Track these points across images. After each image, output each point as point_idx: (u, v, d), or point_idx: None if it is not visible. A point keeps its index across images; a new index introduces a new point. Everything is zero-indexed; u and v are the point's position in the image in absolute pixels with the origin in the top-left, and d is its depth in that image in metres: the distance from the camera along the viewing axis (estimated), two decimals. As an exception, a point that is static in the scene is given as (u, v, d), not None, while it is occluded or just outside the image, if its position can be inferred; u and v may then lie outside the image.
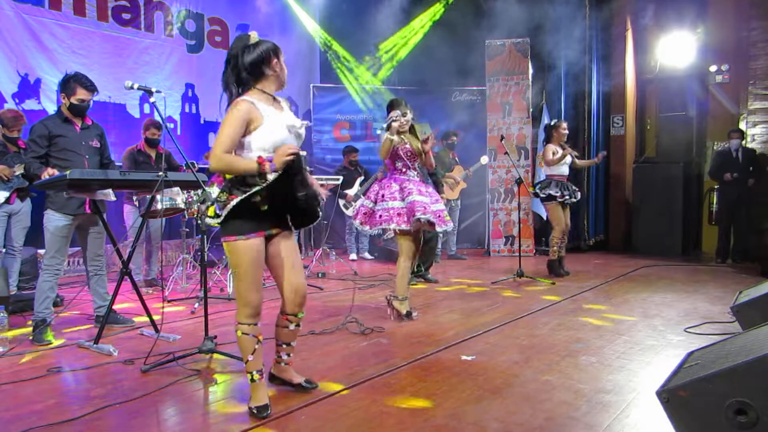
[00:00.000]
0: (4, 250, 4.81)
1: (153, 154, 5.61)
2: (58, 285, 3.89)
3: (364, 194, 4.44)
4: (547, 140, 6.25)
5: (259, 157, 2.32)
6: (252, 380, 2.51)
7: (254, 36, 2.50)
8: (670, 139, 8.33)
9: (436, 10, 9.40)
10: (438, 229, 4.07)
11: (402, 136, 4.18)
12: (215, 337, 3.29)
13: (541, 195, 6.07)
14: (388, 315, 4.29)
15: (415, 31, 9.49)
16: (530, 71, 8.25)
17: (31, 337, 3.67)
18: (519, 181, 6.09)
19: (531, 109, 8.25)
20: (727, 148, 7.28)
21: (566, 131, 6.26)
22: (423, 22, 9.44)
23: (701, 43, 8.08)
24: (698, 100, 8.17)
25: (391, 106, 4.27)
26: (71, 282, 5.92)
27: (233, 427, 2.38)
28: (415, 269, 5.85)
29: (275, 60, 2.50)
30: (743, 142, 7.27)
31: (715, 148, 7.92)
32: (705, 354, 2.25)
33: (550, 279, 5.94)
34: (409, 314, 4.23)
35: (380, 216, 4.06)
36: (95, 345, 3.47)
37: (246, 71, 2.46)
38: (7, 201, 4.72)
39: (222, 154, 2.32)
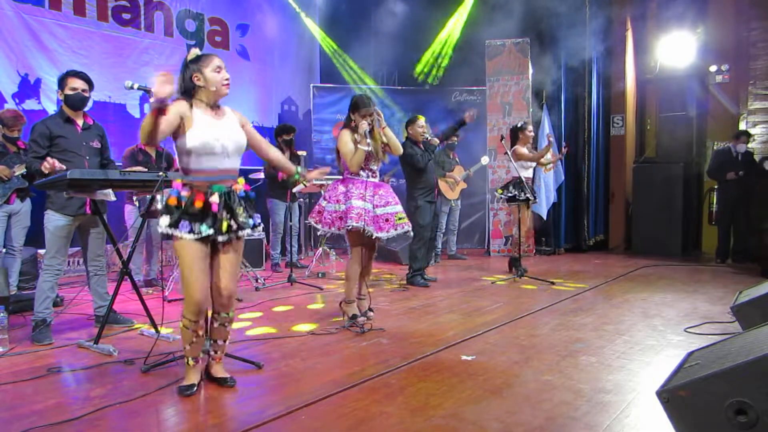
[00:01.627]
0: (4, 250, 4.81)
1: (153, 153, 5.62)
2: (58, 285, 3.89)
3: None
4: (514, 142, 6.36)
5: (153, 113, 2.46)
6: (187, 363, 2.77)
7: (193, 52, 2.74)
8: (670, 139, 8.33)
9: (465, 8, 9.29)
10: (377, 234, 3.98)
11: (355, 135, 4.01)
12: (215, 337, 3.28)
13: (502, 196, 6.17)
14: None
15: (452, 28, 9.34)
16: (530, 71, 8.25)
17: (31, 337, 3.67)
18: (519, 181, 6.09)
19: (531, 109, 8.25)
20: (727, 147, 7.27)
21: (532, 133, 6.44)
22: (456, 20, 9.28)
23: (701, 43, 8.08)
24: (698, 100, 8.17)
25: (356, 106, 4.05)
26: (71, 282, 5.92)
27: (233, 427, 2.38)
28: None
29: (196, 75, 2.69)
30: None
31: (714, 147, 7.92)
32: (705, 354, 2.25)
33: (550, 279, 5.94)
34: (354, 317, 4.09)
35: (325, 217, 4.01)
36: (95, 345, 3.47)
37: (186, 85, 2.71)
38: (7, 201, 4.72)
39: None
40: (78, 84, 3.76)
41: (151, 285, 5.69)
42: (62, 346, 3.60)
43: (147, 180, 3.71)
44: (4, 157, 4.73)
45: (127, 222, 5.73)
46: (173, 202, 2.61)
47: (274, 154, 3.07)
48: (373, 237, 4.01)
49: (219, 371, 2.88)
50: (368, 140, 3.97)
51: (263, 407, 2.56)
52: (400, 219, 4.11)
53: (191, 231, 2.59)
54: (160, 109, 2.41)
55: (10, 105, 6.08)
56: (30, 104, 6.37)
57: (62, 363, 3.24)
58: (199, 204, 2.62)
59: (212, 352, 2.89)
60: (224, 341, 2.90)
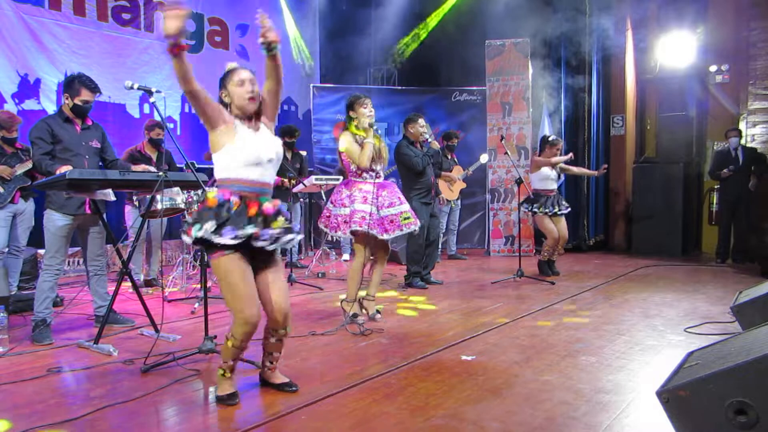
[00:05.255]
0: (6, 250, 4.81)
1: (154, 156, 5.62)
2: (58, 285, 3.89)
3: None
4: (540, 152, 6.37)
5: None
6: (223, 375, 2.60)
7: (229, 66, 2.62)
8: (670, 139, 8.32)
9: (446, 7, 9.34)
10: (382, 236, 3.95)
11: (357, 136, 4.00)
12: (215, 337, 3.29)
13: (533, 211, 6.18)
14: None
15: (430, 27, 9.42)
16: (530, 71, 8.25)
17: (31, 337, 3.67)
18: (519, 181, 6.09)
19: (531, 109, 8.26)
20: (727, 147, 7.27)
21: (560, 152, 6.35)
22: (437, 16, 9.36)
23: (701, 43, 8.08)
24: (698, 100, 8.17)
25: (353, 105, 4.05)
26: (71, 282, 5.92)
27: (233, 427, 2.38)
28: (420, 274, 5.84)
29: (223, 91, 2.61)
30: (741, 140, 7.26)
31: (714, 147, 7.93)
32: (705, 354, 2.25)
33: (550, 279, 5.95)
34: (355, 316, 4.07)
35: (332, 221, 4.00)
36: (95, 345, 3.47)
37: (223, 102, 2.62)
38: (12, 200, 4.72)
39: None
40: (90, 98, 3.80)
41: (151, 285, 5.69)
42: (62, 346, 3.60)
43: (147, 180, 3.71)
44: (3, 158, 4.72)
45: (127, 222, 5.73)
46: (213, 203, 2.43)
47: None
48: (377, 239, 3.98)
49: (279, 377, 2.78)
50: (368, 119, 3.98)
51: (263, 407, 2.56)
52: (405, 219, 4.07)
53: (236, 237, 2.38)
54: (178, 47, 2.26)
55: (9, 105, 6.08)
56: (30, 104, 6.37)
57: (62, 363, 3.24)
58: (253, 211, 2.46)
59: (268, 363, 2.77)
60: (280, 353, 2.77)
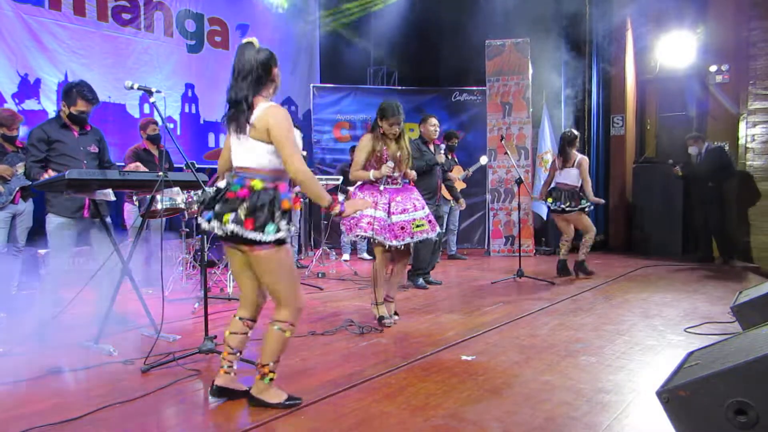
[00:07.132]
0: (5, 251, 4.80)
1: (156, 153, 5.62)
2: (59, 285, 3.89)
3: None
4: (568, 151, 6.10)
5: (334, 197, 2.49)
6: (273, 378, 2.54)
7: (256, 42, 2.47)
8: (670, 139, 8.33)
9: None
10: (391, 243, 3.89)
11: (382, 143, 3.98)
12: (215, 337, 3.29)
13: (583, 208, 6.03)
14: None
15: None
16: (530, 71, 8.25)
17: (32, 337, 3.66)
18: (519, 181, 6.09)
19: (531, 109, 8.26)
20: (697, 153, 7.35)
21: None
22: None
23: (701, 43, 8.07)
24: (698, 100, 8.17)
25: (384, 114, 3.97)
26: (71, 282, 5.90)
27: (233, 427, 2.38)
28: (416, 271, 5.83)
29: (275, 69, 2.49)
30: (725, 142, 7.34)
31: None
32: (705, 354, 2.25)
33: (549, 279, 5.94)
34: (381, 318, 4.06)
35: (346, 223, 3.96)
36: (95, 345, 3.47)
37: (265, 79, 2.43)
38: (12, 201, 4.72)
39: (305, 167, 2.37)
40: (86, 109, 3.79)
41: (151, 285, 5.67)
42: (62, 346, 3.59)
43: (147, 180, 3.71)
44: (4, 157, 4.72)
45: (127, 221, 5.73)
46: (287, 205, 2.37)
47: None
48: (387, 246, 3.93)
49: (242, 385, 2.67)
50: (389, 168, 3.95)
51: (263, 407, 2.56)
52: (418, 227, 3.98)
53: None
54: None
55: (9, 105, 6.07)
56: (30, 104, 6.36)
57: (62, 363, 3.24)
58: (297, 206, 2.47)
59: (235, 365, 2.65)
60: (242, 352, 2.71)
